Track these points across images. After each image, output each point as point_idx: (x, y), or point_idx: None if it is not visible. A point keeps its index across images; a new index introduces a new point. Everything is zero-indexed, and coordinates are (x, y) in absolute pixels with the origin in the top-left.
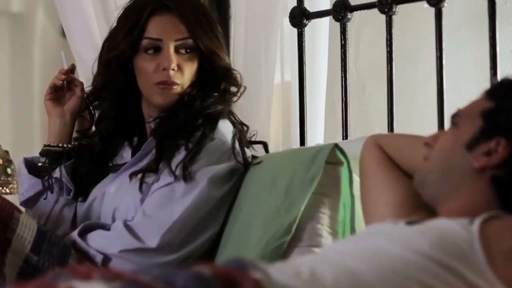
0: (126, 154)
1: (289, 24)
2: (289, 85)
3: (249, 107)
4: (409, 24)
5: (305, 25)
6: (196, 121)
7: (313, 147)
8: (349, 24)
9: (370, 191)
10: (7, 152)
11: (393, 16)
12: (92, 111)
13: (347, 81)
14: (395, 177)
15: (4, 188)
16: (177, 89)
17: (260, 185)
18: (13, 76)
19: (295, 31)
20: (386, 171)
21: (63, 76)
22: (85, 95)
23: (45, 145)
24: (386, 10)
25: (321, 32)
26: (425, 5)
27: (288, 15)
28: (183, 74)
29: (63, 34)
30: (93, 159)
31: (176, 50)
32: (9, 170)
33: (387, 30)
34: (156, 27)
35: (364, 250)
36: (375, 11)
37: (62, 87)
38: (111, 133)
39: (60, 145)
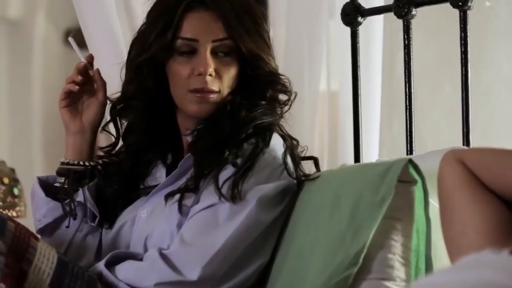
0: (159, 174)
1: (335, 25)
2: (335, 94)
3: (290, 119)
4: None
5: (360, 23)
6: (244, 133)
7: (382, 162)
8: (396, 27)
9: (453, 216)
10: (13, 170)
11: (468, 12)
12: (119, 124)
13: (411, 87)
14: (484, 199)
15: (10, 211)
16: (214, 97)
17: (318, 208)
18: (12, 88)
19: (342, 33)
20: (472, 192)
21: (80, 77)
22: (110, 102)
23: (63, 163)
24: (460, 4)
25: (375, 32)
26: (487, 3)
27: (340, 12)
28: (222, 80)
29: (66, 41)
30: (122, 179)
31: (214, 52)
32: (15, 191)
33: (461, 27)
34: (191, 26)
35: (466, 283)
36: (427, 10)
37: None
38: (142, 148)
39: (81, 163)
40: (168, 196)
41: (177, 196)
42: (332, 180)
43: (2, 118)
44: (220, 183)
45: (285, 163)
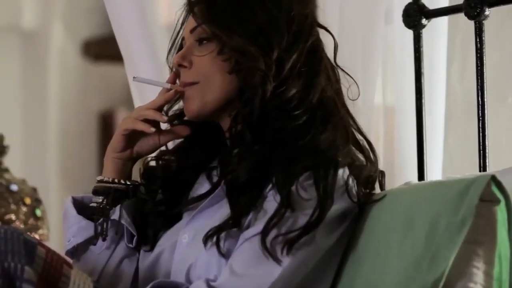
0: (203, 188)
1: (393, 32)
2: (392, 108)
3: None
4: None
5: (424, 26)
6: (298, 167)
7: (460, 179)
8: (453, 32)
9: None
10: (35, 189)
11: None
12: None
13: (484, 96)
14: None
15: (33, 234)
16: (192, 90)
17: (388, 231)
18: (27, 103)
19: (399, 40)
20: None
21: (165, 118)
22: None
23: (101, 181)
24: None
25: (439, 36)
26: None
27: (402, 13)
28: (196, 69)
29: (84, 53)
30: (166, 184)
31: (201, 43)
32: (38, 212)
33: None
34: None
35: None
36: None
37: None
38: (187, 147)
39: (123, 181)
40: (208, 238)
41: (215, 237)
42: (402, 199)
43: (16, 133)
44: (271, 237)
45: (346, 184)
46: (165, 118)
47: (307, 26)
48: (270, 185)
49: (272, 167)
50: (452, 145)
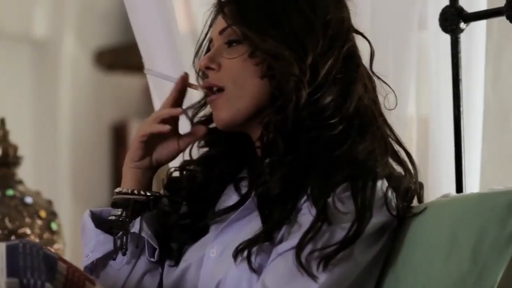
0: (231, 200)
1: (427, 38)
2: (425, 119)
3: None
4: None
5: (462, 30)
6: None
7: (506, 191)
8: (486, 39)
9: None
10: (50, 202)
11: None
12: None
13: None
14: None
15: (48, 248)
16: (221, 98)
17: (430, 246)
18: (38, 113)
19: (435, 45)
20: None
21: (180, 110)
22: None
23: (119, 193)
24: None
25: (477, 40)
26: None
27: (439, 17)
28: (225, 73)
29: (97, 62)
30: (191, 196)
31: (230, 45)
32: (53, 226)
33: None
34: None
35: None
36: None
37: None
38: (212, 158)
39: (143, 192)
40: (238, 253)
41: (246, 251)
42: (445, 212)
43: (27, 144)
44: (306, 252)
45: (385, 196)
46: (180, 110)
47: (343, 30)
48: (305, 197)
49: (307, 178)
50: (487, 154)
